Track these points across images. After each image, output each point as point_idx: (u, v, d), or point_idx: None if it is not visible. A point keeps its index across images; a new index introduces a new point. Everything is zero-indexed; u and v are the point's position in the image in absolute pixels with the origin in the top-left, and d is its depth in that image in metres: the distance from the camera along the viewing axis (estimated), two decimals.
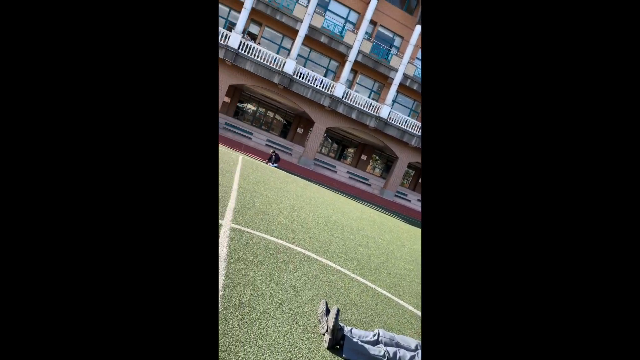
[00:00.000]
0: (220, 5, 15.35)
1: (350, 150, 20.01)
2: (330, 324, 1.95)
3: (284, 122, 18.77)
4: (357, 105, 15.37)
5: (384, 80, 17.31)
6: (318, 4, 15.61)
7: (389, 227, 8.03)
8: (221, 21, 15.48)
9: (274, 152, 11.83)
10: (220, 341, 1.65)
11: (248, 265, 2.63)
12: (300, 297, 2.44)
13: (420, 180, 21.15)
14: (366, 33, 16.27)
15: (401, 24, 16.82)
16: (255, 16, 15.59)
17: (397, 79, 15.90)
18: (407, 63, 15.96)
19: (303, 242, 3.88)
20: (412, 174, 21.20)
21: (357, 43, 15.16)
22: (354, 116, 15.34)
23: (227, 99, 17.02)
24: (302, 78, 14.72)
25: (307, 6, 14.72)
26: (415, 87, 16.88)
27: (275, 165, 11.48)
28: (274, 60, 14.31)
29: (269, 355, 1.70)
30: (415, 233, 9.12)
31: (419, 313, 3.16)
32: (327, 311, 2.11)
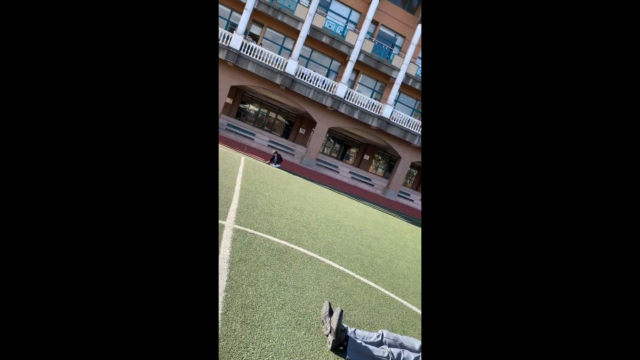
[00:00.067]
0: (221, 7, 15.39)
1: (353, 150, 19.99)
2: (334, 325, 1.94)
3: (286, 122, 18.78)
4: (359, 105, 15.35)
5: (386, 80, 17.28)
6: (319, 4, 15.61)
7: (392, 227, 8.01)
8: (222, 22, 15.52)
9: (276, 152, 11.84)
10: (223, 343, 1.64)
11: (251, 266, 2.63)
12: (303, 298, 2.43)
13: None
14: (368, 33, 16.25)
15: (403, 23, 16.78)
16: (257, 17, 15.62)
17: (399, 78, 15.86)
18: (409, 62, 15.92)
19: (306, 242, 3.87)
20: (415, 174, 21.13)
21: (359, 43, 15.15)
22: (356, 116, 15.32)
23: (229, 100, 17.06)
24: (304, 78, 14.72)
25: (308, 6, 14.72)
26: (417, 86, 16.83)
27: (277, 166, 11.49)
28: (276, 61, 14.33)
29: (272, 357, 1.69)
30: (419, 233, 9.08)
31: None
32: (331, 312, 2.10)
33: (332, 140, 19.58)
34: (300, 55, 16.15)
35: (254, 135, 16.39)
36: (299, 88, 14.57)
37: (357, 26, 16.35)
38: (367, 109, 15.40)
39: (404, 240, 6.92)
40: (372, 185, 18.29)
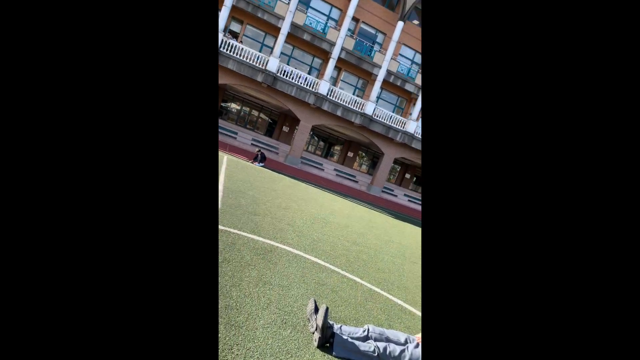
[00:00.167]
0: None
1: (337, 147, 20.05)
2: (320, 322, 1.94)
3: (269, 120, 18.62)
4: (342, 102, 15.39)
5: (368, 77, 17.39)
6: (300, 1, 15.50)
7: (376, 223, 8.09)
8: None
9: (260, 151, 11.72)
10: None
11: (235, 267, 2.59)
12: (288, 297, 2.42)
13: (405, 175, 21.41)
14: (349, 30, 16.28)
15: (383, 20, 16.90)
16: (236, 14, 15.37)
17: (381, 75, 16.00)
18: (390, 59, 16.07)
19: (291, 240, 3.85)
20: (398, 170, 21.43)
21: (340, 40, 15.16)
22: (339, 113, 15.36)
23: None
24: (286, 76, 14.62)
25: (288, 3, 14.60)
26: (398, 83, 17.02)
27: (261, 164, 11.38)
28: (257, 59, 14.16)
29: (257, 357, 1.67)
30: (403, 228, 9.22)
31: (408, 307, 3.19)
32: (316, 309, 2.10)
33: (316, 138, 19.57)
34: (282, 53, 16.02)
35: (236, 133, 16.17)
36: (281, 86, 14.45)
37: (338, 23, 16.35)
38: (350, 106, 15.46)
39: (389, 235, 7.01)
40: (357, 181, 18.42)
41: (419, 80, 17.08)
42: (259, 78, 14.05)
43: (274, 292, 2.42)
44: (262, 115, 18.42)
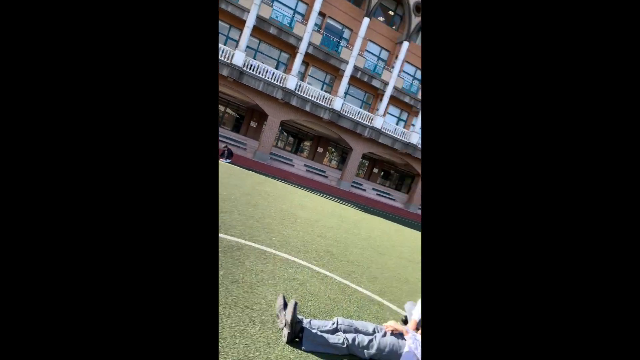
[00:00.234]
0: None
1: (307, 143, 20.02)
2: (289, 318, 1.92)
3: (236, 115, 18.17)
4: (310, 97, 15.35)
5: (336, 72, 17.47)
6: None
7: (346, 217, 8.20)
8: None
9: (227, 147, 11.41)
10: None
11: None
12: (257, 294, 2.38)
13: (374, 170, 21.88)
14: (315, 25, 16.22)
15: (349, 16, 17.02)
16: None
17: (348, 71, 16.14)
18: (357, 55, 16.24)
19: (260, 237, 3.79)
20: (366, 165, 21.83)
21: (307, 34, 15.07)
22: (307, 108, 15.31)
23: None
24: (253, 70, 14.30)
25: None
26: (365, 79, 17.27)
27: (228, 161, 11.09)
28: (222, 52, 13.70)
29: (224, 357, 1.62)
30: (371, 221, 9.43)
31: (377, 297, 3.26)
32: (285, 305, 2.08)
33: (285, 134, 19.40)
34: (248, 47, 15.62)
35: None
36: (247, 80, 14.12)
37: (305, 17, 16.23)
38: (318, 101, 15.46)
39: (358, 228, 7.13)
40: (327, 177, 18.54)
41: (385, 77, 17.43)
42: (225, 72, 13.63)
43: (242, 289, 2.37)
44: (228, 110, 17.91)
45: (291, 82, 14.80)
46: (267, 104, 15.00)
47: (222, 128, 17.16)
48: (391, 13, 18.13)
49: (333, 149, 20.60)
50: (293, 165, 17.46)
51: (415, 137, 17.71)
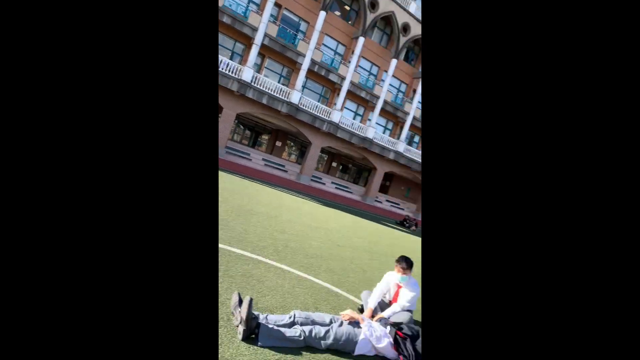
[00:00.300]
0: None
1: (265, 137, 19.64)
2: (244, 315, 1.87)
3: None
4: (267, 90, 15.04)
5: (293, 66, 17.29)
6: None
7: (305, 211, 8.21)
8: None
9: None
10: None
11: None
12: None
13: (332, 164, 22.15)
14: (271, 16, 15.84)
15: (306, 8, 16.87)
16: None
17: (305, 64, 16.05)
18: (314, 49, 16.19)
19: None
20: (325, 159, 22.03)
21: (263, 25, 14.68)
22: (264, 101, 14.99)
23: None
24: None
25: None
26: (323, 73, 17.31)
27: None
28: None
29: None
30: (330, 214, 9.56)
31: (334, 289, 3.32)
32: (240, 302, 2.02)
33: (241, 127, 18.84)
34: None
35: None
36: None
37: (260, 7, 15.78)
38: (275, 94, 15.20)
39: (317, 221, 7.18)
40: (286, 171, 18.40)
41: (342, 71, 17.61)
42: None
43: None
44: None
45: (247, 74, 14.36)
46: (222, 95, 14.41)
47: None
48: (347, 8, 18.30)
49: (292, 143, 20.47)
50: (251, 160, 17.06)
51: (371, 131, 18.19)
